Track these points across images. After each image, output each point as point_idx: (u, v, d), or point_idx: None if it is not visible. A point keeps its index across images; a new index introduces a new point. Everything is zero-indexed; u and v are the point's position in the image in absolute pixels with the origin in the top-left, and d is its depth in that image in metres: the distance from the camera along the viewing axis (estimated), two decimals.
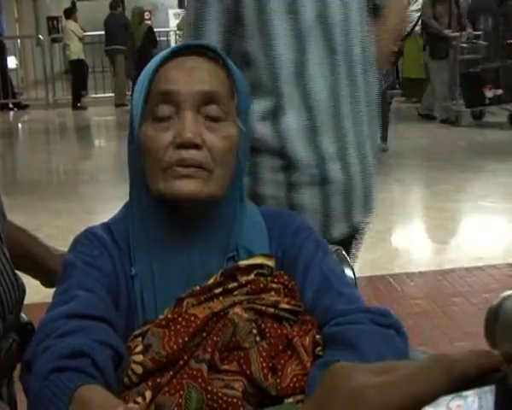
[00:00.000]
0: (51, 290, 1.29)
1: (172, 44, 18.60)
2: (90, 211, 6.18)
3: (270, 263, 1.27)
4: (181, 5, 21.57)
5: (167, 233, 1.26)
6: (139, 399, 1.09)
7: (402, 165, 7.96)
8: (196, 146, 1.20)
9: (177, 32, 17.14)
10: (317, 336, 1.19)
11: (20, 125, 13.59)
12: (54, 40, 17.21)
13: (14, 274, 1.39)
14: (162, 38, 16.26)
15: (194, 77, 1.23)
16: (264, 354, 1.12)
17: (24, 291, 1.42)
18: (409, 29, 11.07)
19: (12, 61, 15.50)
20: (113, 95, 14.10)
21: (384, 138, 8.40)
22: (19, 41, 17.78)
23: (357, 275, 1.53)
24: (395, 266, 4.74)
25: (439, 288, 4.34)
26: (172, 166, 1.21)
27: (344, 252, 1.56)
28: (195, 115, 1.22)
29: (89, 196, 7.10)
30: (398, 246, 5.22)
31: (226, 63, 1.27)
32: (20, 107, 14.42)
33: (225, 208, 1.29)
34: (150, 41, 12.57)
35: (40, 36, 16.39)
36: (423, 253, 5.08)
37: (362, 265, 4.64)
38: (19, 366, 1.22)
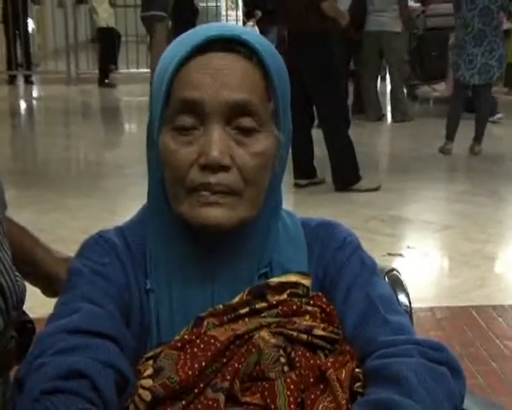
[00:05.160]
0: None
1: (223, 12, 18.71)
2: (114, 210, 6.25)
3: (306, 282, 1.32)
4: None
5: (190, 246, 1.32)
6: None
7: (496, 172, 7.93)
8: (224, 167, 1.21)
9: None
10: (357, 370, 1.24)
11: (34, 102, 13.77)
12: (79, 1, 17.42)
13: (14, 270, 1.47)
14: (210, 4, 16.37)
15: (222, 81, 1.21)
16: (292, 386, 1.18)
17: (24, 288, 1.51)
18: None
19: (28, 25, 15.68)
20: (148, 71, 14.16)
21: (478, 139, 8.33)
22: None
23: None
24: (480, 296, 4.70)
25: None
26: (197, 190, 1.23)
27: (398, 274, 1.60)
28: (223, 128, 1.22)
29: (113, 191, 7.18)
30: (485, 272, 5.16)
31: (261, 59, 1.24)
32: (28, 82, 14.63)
33: (258, 222, 1.32)
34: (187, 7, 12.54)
35: None
36: None
37: (439, 292, 4.69)
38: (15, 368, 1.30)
